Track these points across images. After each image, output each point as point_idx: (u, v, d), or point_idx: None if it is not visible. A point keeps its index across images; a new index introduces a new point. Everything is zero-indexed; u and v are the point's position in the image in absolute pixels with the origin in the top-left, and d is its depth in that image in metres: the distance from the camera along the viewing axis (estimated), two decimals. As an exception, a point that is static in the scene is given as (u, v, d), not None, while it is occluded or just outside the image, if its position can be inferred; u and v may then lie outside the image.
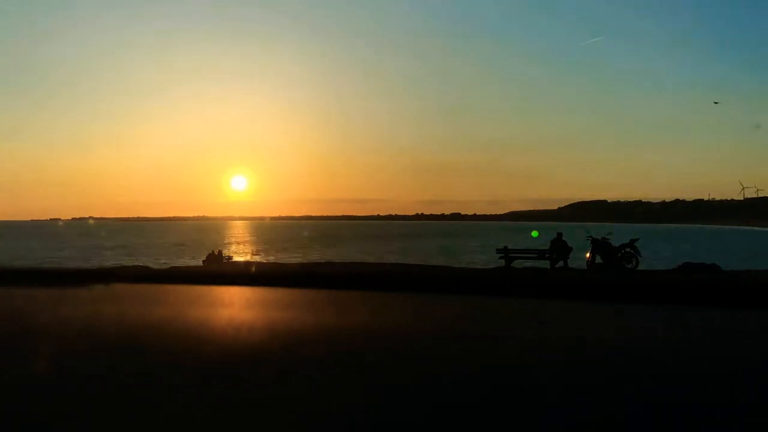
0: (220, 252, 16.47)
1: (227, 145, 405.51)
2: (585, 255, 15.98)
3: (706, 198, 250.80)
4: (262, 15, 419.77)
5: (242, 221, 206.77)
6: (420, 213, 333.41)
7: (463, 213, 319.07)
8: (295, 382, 0.62)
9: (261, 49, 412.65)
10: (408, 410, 0.54)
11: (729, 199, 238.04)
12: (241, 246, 46.96)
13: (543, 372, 0.64)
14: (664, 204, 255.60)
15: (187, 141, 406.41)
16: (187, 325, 0.86)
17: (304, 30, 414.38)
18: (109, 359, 0.71)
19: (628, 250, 15.62)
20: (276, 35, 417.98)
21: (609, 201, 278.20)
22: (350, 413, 0.54)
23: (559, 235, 16.52)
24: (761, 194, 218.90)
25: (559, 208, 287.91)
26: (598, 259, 15.51)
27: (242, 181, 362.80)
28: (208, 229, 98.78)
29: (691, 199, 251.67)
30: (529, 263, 16.58)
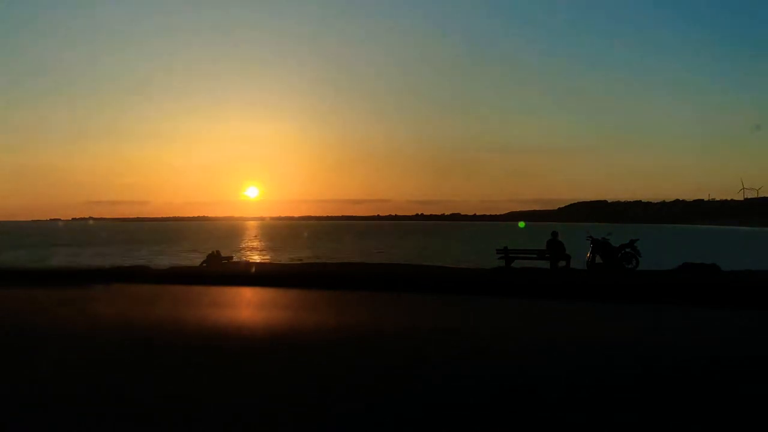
0: (219, 252, 16.38)
1: (226, 146, 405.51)
2: (585, 255, 15.93)
3: (706, 198, 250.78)
4: (263, 24, 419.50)
5: (242, 222, 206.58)
6: (420, 213, 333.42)
7: (462, 213, 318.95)
8: (294, 381, 0.61)
9: (262, 51, 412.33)
10: (407, 410, 0.54)
11: (729, 199, 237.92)
12: (246, 247, 46.80)
13: (542, 372, 0.64)
14: (664, 204, 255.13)
15: (186, 142, 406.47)
16: (186, 326, 0.86)
17: (305, 34, 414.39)
18: (109, 359, 0.71)
19: (628, 250, 15.56)
20: (276, 39, 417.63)
21: (609, 201, 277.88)
22: (349, 413, 0.54)
23: (555, 234, 16.05)
24: (761, 194, 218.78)
25: (559, 208, 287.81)
26: (598, 260, 15.44)
27: (241, 182, 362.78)
28: (208, 229, 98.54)
29: (691, 199, 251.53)
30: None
